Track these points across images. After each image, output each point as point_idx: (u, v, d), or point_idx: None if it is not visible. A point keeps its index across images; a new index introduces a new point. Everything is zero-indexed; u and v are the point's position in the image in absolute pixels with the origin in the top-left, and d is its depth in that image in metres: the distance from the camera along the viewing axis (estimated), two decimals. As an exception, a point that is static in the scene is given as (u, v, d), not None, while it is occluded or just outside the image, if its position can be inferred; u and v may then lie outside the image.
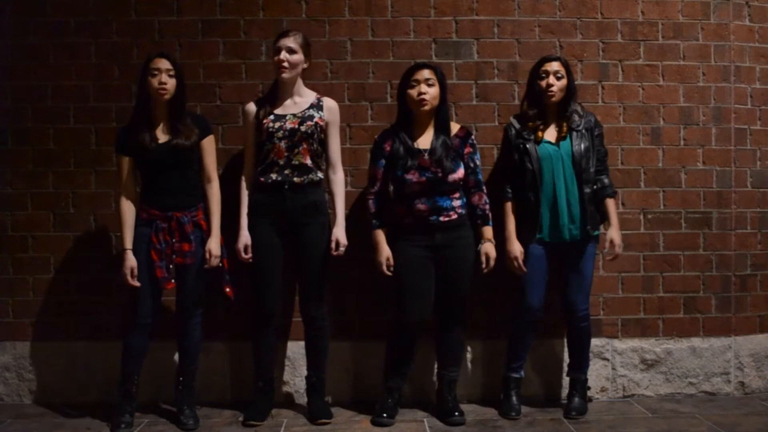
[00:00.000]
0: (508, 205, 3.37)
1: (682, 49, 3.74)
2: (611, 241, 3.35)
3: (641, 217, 3.73)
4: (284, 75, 3.25)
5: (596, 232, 3.36)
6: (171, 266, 3.19)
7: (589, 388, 3.49)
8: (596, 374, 3.66)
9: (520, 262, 3.30)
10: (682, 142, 3.75)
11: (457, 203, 3.28)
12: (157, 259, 3.15)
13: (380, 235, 3.28)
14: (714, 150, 3.76)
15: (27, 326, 3.62)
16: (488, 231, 3.33)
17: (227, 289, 3.28)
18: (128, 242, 3.17)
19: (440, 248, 3.24)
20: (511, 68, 3.68)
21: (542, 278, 3.34)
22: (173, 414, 3.33)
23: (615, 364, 3.70)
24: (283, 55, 3.22)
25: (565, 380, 3.55)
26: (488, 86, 3.69)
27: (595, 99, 3.70)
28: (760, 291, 3.79)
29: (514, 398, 3.41)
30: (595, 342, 3.66)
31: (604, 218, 3.38)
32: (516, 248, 3.32)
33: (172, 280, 3.20)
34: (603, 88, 3.72)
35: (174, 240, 3.18)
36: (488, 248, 3.30)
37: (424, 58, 3.56)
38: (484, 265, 3.30)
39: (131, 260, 3.15)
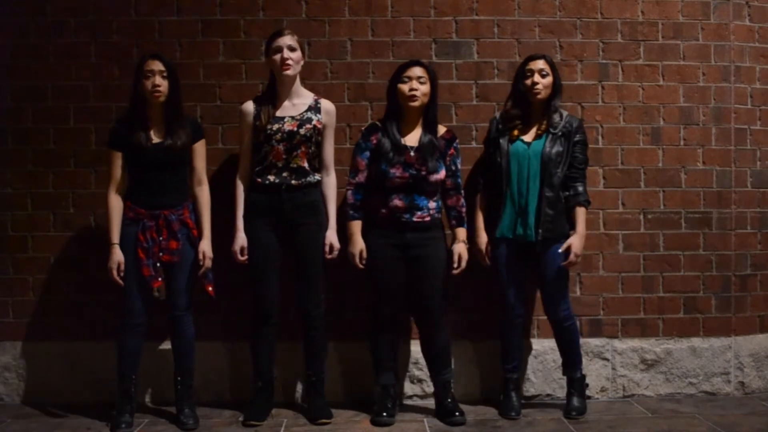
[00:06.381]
0: (478, 197, 3.43)
1: (682, 49, 3.74)
2: (569, 246, 3.28)
3: (641, 217, 3.73)
4: (288, 72, 3.24)
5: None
6: (158, 264, 3.18)
7: (587, 386, 3.48)
8: (596, 374, 3.66)
9: (484, 254, 3.36)
10: (682, 142, 3.75)
11: (432, 205, 3.30)
12: (144, 258, 3.15)
13: (356, 227, 3.29)
14: (714, 150, 3.76)
15: (27, 326, 3.62)
16: (462, 232, 3.35)
17: (209, 288, 3.28)
18: (116, 237, 3.18)
19: (410, 247, 3.26)
20: (511, 68, 3.66)
21: (514, 275, 3.35)
22: (173, 414, 3.33)
23: (615, 364, 3.70)
24: (286, 53, 3.21)
25: (561, 380, 3.54)
26: (488, 86, 3.69)
27: (595, 99, 3.70)
28: (760, 291, 3.79)
29: (513, 398, 3.40)
30: (595, 342, 3.66)
31: (573, 227, 3.36)
32: (481, 240, 3.38)
33: (159, 279, 3.19)
34: (603, 88, 3.72)
35: (161, 238, 3.18)
36: (461, 249, 3.31)
37: (424, 58, 3.55)
38: (456, 265, 3.31)
39: (119, 255, 3.16)
